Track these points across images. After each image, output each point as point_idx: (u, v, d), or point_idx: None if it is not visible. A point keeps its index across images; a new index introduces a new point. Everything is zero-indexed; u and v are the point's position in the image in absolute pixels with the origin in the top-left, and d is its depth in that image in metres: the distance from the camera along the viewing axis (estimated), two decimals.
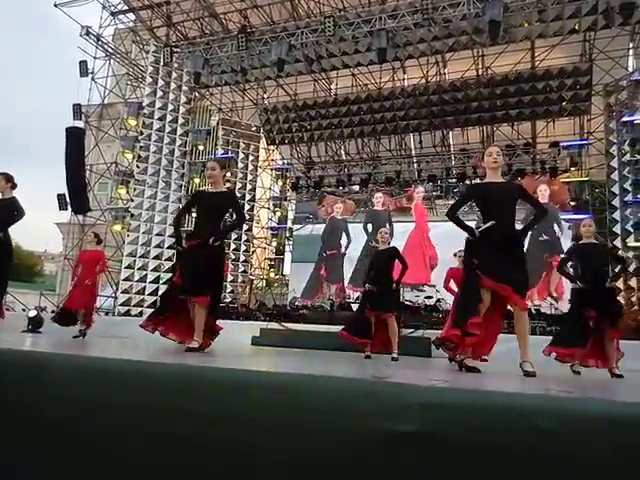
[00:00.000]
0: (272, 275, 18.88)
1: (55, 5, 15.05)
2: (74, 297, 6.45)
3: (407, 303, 11.79)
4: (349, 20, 13.04)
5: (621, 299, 9.48)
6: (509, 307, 3.56)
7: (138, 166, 15.07)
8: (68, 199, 14.55)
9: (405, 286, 12.21)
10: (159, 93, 15.54)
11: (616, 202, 12.88)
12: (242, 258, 17.24)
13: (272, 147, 19.22)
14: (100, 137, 16.43)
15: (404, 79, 16.39)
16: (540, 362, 3.28)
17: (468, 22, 12.21)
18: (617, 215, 12.78)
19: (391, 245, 6.14)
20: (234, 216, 4.29)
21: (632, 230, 12.31)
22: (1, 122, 67.28)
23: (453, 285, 5.96)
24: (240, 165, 17.71)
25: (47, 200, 19.59)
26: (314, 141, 17.88)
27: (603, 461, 1.24)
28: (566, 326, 5.42)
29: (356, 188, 17.20)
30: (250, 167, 18.00)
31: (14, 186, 4.96)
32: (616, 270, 5.57)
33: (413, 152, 17.49)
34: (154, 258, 14.85)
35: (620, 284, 10.46)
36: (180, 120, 15.76)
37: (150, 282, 14.68)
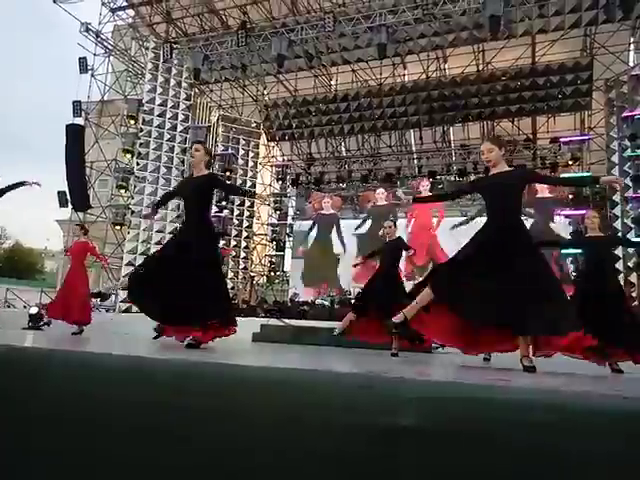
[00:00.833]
0: (272, 274, 18.88)
1: (54, 1, 15.00)
2: (57, 305, 6.38)
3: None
4: (349, 16, 13.02)
5: None
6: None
7: (138, 163, 15.06)
8: (68, 196, 14.56)
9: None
10: (159, 89, 15.52)
11: (617, 197, 12.89)
12: (242, 255, 17.26)
13: (272, 144, 19.20)
14: (100, 134, 16.41)
15: (404, 75, 16.35)
16: (540, 358, 3.28)
17: (468, 17, 12.19)
18: (617, 210, 12.79)
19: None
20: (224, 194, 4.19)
21: (632, 225, 12.31)
22: (1, 119, 67.29)
23: None
24: (240, 162, 17.70)
25: (47, 197, 19.57)
26: (314, 137, 17.86)
27: (602, 454, 1.24)
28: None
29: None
30: (250, 164, 18.00)
31: None
32: (629, 264, 5.38)
33: (413, 148, 17.48)
34: None
35: (621, 279, 10.44)
36: (180, 117, 15.74)
37: None
